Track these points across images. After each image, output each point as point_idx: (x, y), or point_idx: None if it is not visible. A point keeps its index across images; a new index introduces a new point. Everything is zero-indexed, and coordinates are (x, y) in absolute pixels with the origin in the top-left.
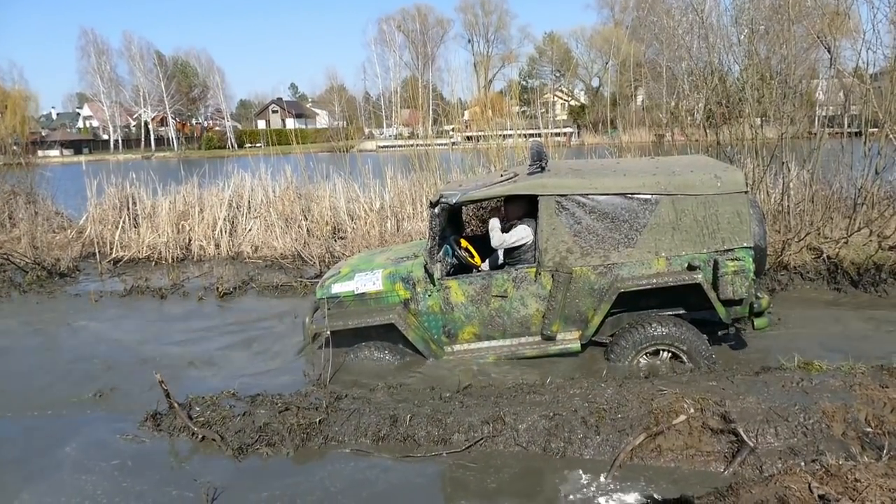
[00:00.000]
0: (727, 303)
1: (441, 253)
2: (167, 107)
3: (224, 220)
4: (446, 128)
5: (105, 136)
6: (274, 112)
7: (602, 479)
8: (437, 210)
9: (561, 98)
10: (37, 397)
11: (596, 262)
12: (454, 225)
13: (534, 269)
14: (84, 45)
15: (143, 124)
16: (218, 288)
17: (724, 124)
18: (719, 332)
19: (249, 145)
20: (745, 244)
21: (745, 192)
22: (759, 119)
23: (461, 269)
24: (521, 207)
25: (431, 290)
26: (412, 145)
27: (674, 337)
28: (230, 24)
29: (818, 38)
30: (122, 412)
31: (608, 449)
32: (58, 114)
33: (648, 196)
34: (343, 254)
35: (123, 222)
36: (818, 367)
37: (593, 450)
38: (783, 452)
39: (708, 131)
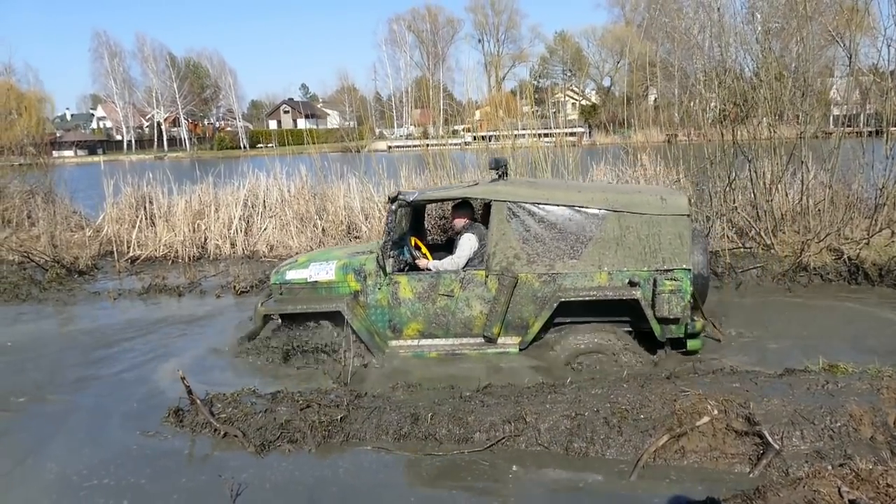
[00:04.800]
0: (663, 321)
1: (396, 251)
2: (180, 107)
3: (239, 219)
4: (457, 128)
5: (118, 137)
6: (285, 112)
7: (626, 479)
8: (394, 207)
9: (572, 98)
10: (58, 392)
11: (541, 270)
12: (417, 228)
13: (482, 272)
14: (97, 47)
15: (155, 125)
16: (235, 286)
17: (738, 123)
18: (656, 350)
19: (261, 145)
20: (684, 266)
21: (688, 216)
22: (774, 118)
23: (415, 268)
24: (466, 215)
25: (381, 283)
26: (424, 145)
27: (601, 346)
28: (242, 25)
29: (833, 35)
30: (144, 408)
31: (631, 449)
32: (72, 115)
33: (596, 211)
34: None
35: (140, 221)
36: (844, 370)
37: (616, 450)
38: (810, 455)
39: (724, 131)
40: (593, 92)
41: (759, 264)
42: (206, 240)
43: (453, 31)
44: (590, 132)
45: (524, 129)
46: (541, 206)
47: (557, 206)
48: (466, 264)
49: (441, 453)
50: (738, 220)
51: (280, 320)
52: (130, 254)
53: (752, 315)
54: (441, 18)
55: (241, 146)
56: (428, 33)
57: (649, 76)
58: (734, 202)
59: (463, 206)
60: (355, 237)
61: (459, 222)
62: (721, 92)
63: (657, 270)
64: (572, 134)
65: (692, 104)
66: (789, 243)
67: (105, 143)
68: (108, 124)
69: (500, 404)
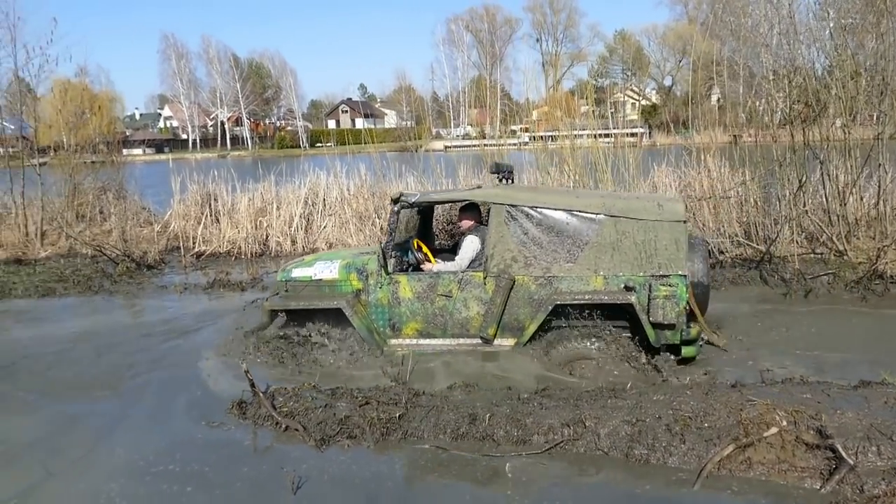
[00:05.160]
0: (658, 326)
1: (400, 253)
2: (242, 107)
3: (300, 217)
4: (514, 128)
5: (184, 136)
6: (344, 112)
7: (688, 488)
8: (397, 208)
9: (632, 97)
10: (127, 381)
11: (538, 273)
12: (424, 231)
13: (480, 274)
14: (165, 48)
15: (219, 124)
16: None
17: (809, 124)
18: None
19: (320, 144)
20: (679, 272)
21: (684, 222)
22: (848, 118)
23: (418, 269)
24: (473, 217)
25: (382, 282)
26: (481, 145)
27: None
28: (302, 26)
29: None
30: (209, 399)
31: (694, 458)
32: (141, 114)
33: (593, 215)
34: None
35: (205, 218)
36: None
37: (678, 458)
38: (887, 473)
39: (794, 131)
40: (654, 91)
41: (830, 271)
42: (267, 237)
43: (511, 30)
44: (650, 132)
45: (583, 129)
46: (538, 209)
47: (555, 209)
48: (469, 266)
49: (499, 454)
50: (809, 225)
51: (285, 316)
52: (196, 249)
53: (821, 323)
54: (499, 18)
55: (301, 145)
56: (486, 33)
57: (716, 75)
58: (804, 206)
59: (469, 208)
60: None
61: (465, 224)
62: (791, 91)
63: (653, 276)
64: (632, 134)
65: (758, 104)
66: (864, 249)
67: (171, 142)
68: (175, 123)
69: (558, 407)
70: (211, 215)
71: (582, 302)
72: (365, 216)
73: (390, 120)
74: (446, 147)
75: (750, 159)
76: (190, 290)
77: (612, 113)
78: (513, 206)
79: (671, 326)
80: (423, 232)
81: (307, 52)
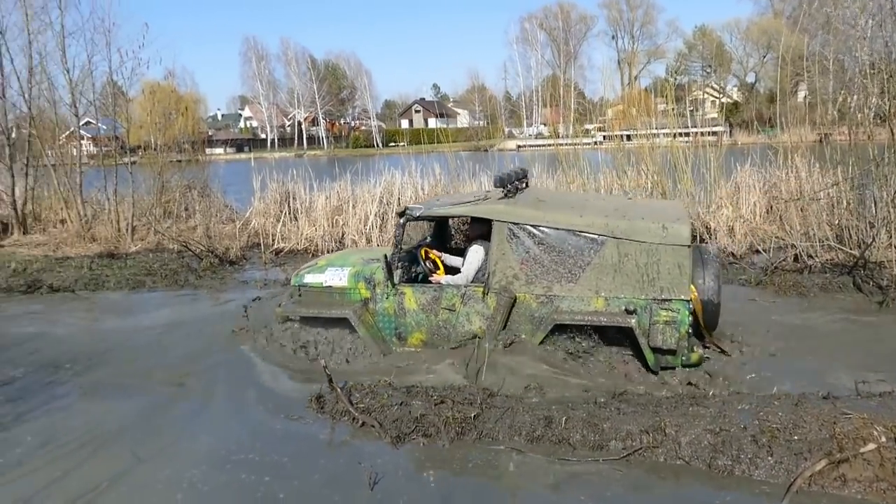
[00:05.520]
0: (657, 350)
1: (408, 262)
2: (318, 108)
3: (375, 215)
4: (588, 127)
5: (263, 136)
6: (417, 112)
7: (775, 503)
8: (402, 221)
9: (712, 95)
10: (214, 372)
11: (539, 292)
12: (441, 234)
13: (482, 289)
14: (246, 51)
15: (296, 124)
16: None
17: None
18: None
19: (393, 144)
20: (682, 297)
21: (688, 246)
22: None
23: (427, 278)
24: (481, 227)
25: (389, 293)
26: (554, 144)
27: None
28: (377, 27)
29: None
30: (289, 392)
31: (782, 472)
32: (222, 115)
33: (595, 236)
34: None
35: (283, 216)
36: None
37: (765, 471)
38: None
39: (894, 129)
40: (735, 89)
41: None
42: (343, 235)
43: (586, 28)
44: (730, 131)
45: (660, 127)
46: (541, 228)
47: (557, 229)
48: (475, 275)
49: (575, 459)
50: None
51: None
52: (275, 246)
53: None
54: (573, 15)
55: (375, 144)
56: (560, 31)
57: (804, 70)
58: None
59: (475, 220)
60: None
61: (473, 232)
62: (889, 85)
63: (654, 300)
64: (712, 133)
65: (850, 100)
66: None
67: (251, 142)
68: (254, 124)
69: (637, 413)
70: (289, 213)
71: (581, 322)
72: None
73: (463, 119)
74: (519, 146)
75: (842, 159)
76: (270, 286)
77: (690, 111)
78: (515, 223)
79: (671, 352)
80: (439, 235)
81: (382, 53)
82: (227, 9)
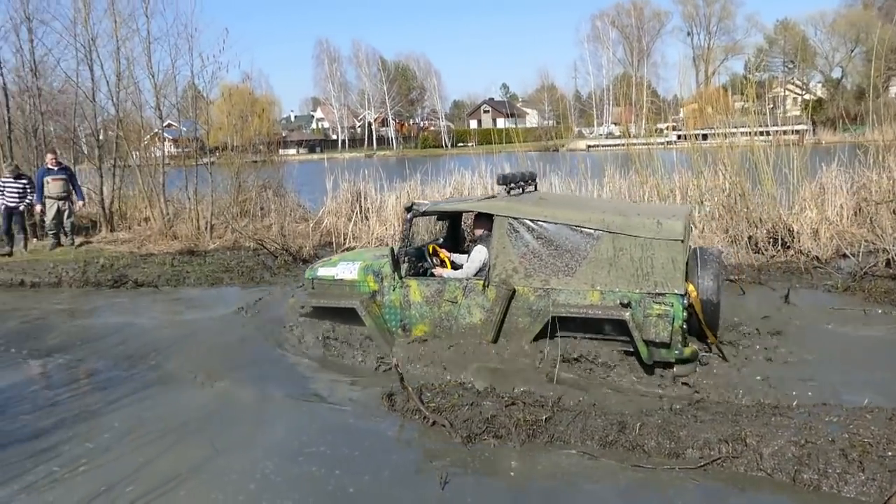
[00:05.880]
0: (650, 344)
1: (415, 256)
2: (388, 108)
3: None
4: (661, 126)
5: (334, 137)
6: (485, 112)
7: None
8: (409, 216)
9: (793, 92)
10: (286, 367)
11: (537, 285)
12: (454, 234)
13: (482, 282)
14: (318, 53)
15: (366, 125)
16: None
17: None
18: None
19: (462, 144)
20: (675, 291)
21: (681, 241)
22: None
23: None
24: (485, 225)
25: (395, 285)
26: (625, 144)
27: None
28: (447, 28)
29: None
30: (361, 388)
31: (875, 489)
32: (295, 116)
33: (591, 230)
34: None
35: (355, 215)
36: None
37: (855, 488)
38: None
39: None
40: (819, 85)
41: None
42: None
43: (660, 24)
44: (814, 129)
45: (738, 126)
46: (539, 222)
47: (555, 223)
48: (477, 274)
49: (649, 466)
50: None
51: (307, 311)
52: (346, 245)
53: None
54: (647, 12)
55: (444, 145)
56: (633, 28)
57: (890, 65)
58: None
59: (482, 216)
60: None
61: (477, 231)
62: None
63: (649, 294)
64: (794, 131)
65: None
66: None
67: (322, 143)
68: (326, 125)
69: (715, 421)
70: (360, 213)
71: (577, 315)
72: None
73: (532, 119)
74: (589, 146)
75: None
76: None
77: (770, 109)
78: (515, 218)
79: (664, 345)
80: (452, 236)
81: (451, 54)
82: (301, 11)
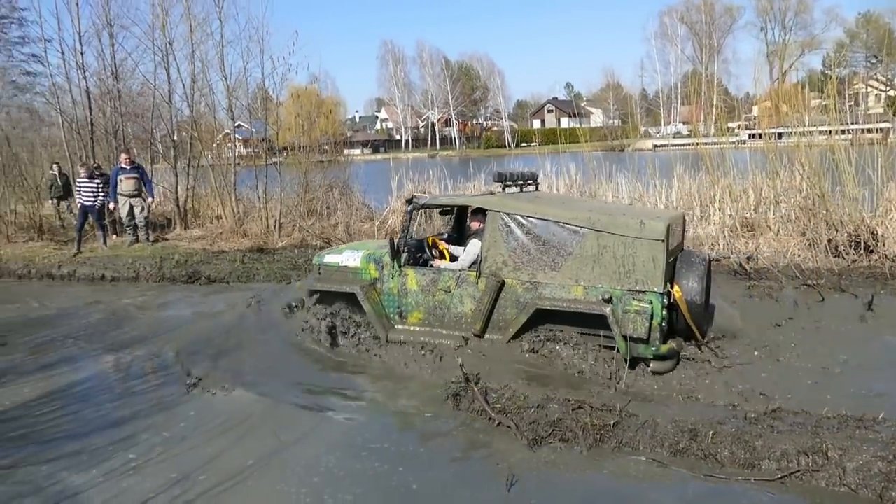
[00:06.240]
0: (629, 339)
1: (415, 247)
2: (451, 108)
3: None
4: (731, 124)
5: (397, 137)
6: (549, 112)
7: None
8: (409, 208)
9: (876, 88)
10: (349, 363)
11: (524, 278)
12: (459, 232)
13: (474, 273)
14: (383, 54)
15: (429, 125)
16: None
17: None
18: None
19: (525, 144)
20: (655, 289)
21: (662, 241)
22: None
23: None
24: (481, 220)
25: (394, 273)
26: (693, 143)
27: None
28: (510, 27)
29: None
30: (426, 386)
31: None
32: (360, 117)
33: (577, 228)
34: None
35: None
36: None
37: None
38: None
39: None
40: None
41: None
42: None
43: (731, 20)
44: None
45: (816, 124)
46: (529, 218)
47: (544, 220)
48: (471, 266)
49: (722, 476)
50: None
51: (312, 296)
52: None
53: None
54: (718, 7)
55: (507, 144)
56: (703, 24)
57: None
58: None
59: (479, 211)
60: None
61: (474, 225)
62: None
63: (629, 290)
64: (878, 129)
65: None
66: None
67: (386, 143)
68: (390, 125)
69: (793, 432)
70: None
71: (560, 309)
72: None
73: (596, 118)
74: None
75: None
76: None
77: (850, 106)
78: (507, 213)
79: (642, 340)
80: (458, 230)
81: (515, 53)
82: (366, 12)
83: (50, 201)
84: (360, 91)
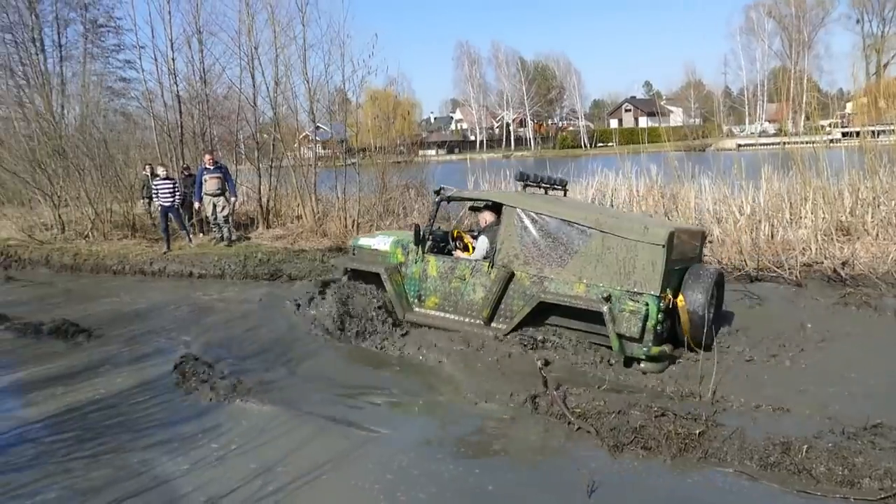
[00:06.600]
0: (622, 337)
1: (440, 237)
2: (527, 109)
3: None
4: (822, 122)
5: (472, 137)
6: (627, 111)
7: None
8: (437, 199)
9: None
10: (428, 363)
11: (532, 272)
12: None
13: (487, 264)
14: (459, 55)
15: (504, 125)
16: None
17: None
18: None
19: (602, 144)
20: (651, 292)
21: (662, 247)
22: None
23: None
24: (491, 216)
25: (418, 259)
26: (781, 143)
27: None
28: (588, 26)
29: None
30: (502, 388)
31: None
32: (435, 118)
33: (585, 228)
34: (710, 259)
35: None
36: None
37: None
38: None
39: None
40: None
41: None
42: None
43: (823, 12)
44: None
45: None
46: (542, 215)
47: (555, 218)
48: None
49: (818, 493)
50: None
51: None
52: None
53: None
54: (809, 0)
55: (582, 145)
56: (792, 18)
57: None
58: None
59: (489, 206)
60: (707, 241)
61: (483, 220)
62: None
63: (627, 291)
64: None
65: None
66: None
67: (461, 143)
68: (464, 126)
69: None
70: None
71: (562, 303)
72: None
73: (676, 117)
74: (739, 145)
75: None
76: None
77: None
78: (522, 209)
79: (635, 340)
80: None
81: (592, 52)
82: (442, 13)
83: (141, 201)
84: (435, 92)
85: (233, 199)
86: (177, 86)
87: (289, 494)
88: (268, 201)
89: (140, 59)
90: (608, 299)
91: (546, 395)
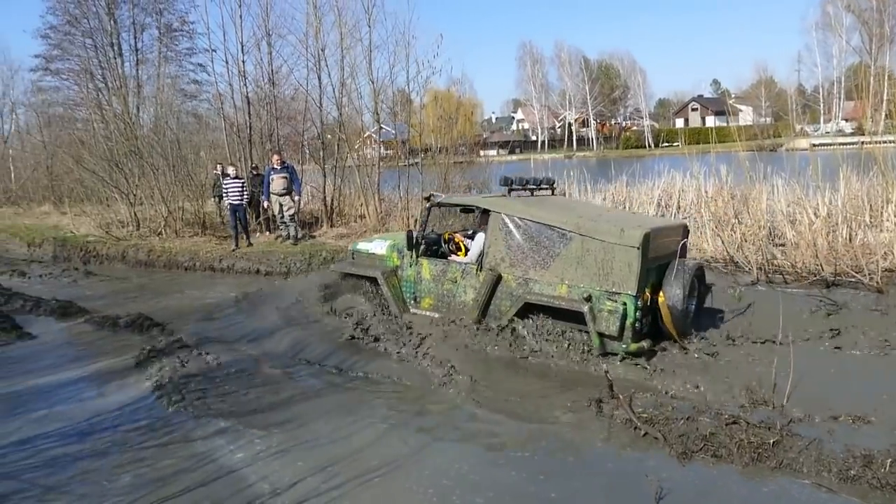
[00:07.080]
0: (602, 335)
1: (433, 241)
2: (589, 108)
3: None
4: None
5: (533, 138)
6: (693, 110)
7: None
8: (427, 205)
9: None
10: (481, 364)
11: (518, 274)
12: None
13: (476, 267)
14: (521, 55)
15: (566, 125)
16: None
17: None
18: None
19: (666, 144)
20: (628, 291)
21: (637, 248)
22: None
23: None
24: (484, 219)
25: (412, 262)
26: (859, 143)
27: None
28: (654, 23)
29: None
30: (566, 392)
31: None
32: (496, 118)
33: (565, 231)
34: (782, 262)
35: None
36: None
37: None
38: None
39: None
40: None
41: None
42: None
43: None
44: None
45: None
46: (525, 220)
47: (537, 223)
48: (478, 259)
49: None
50: None
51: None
52: None
53: None
54: None
55: (647, 145)
56: (873, 11)
57: None
58: None
59: (485, 211)
60: (779, 244)
61: (482, 222)
62: None
63: (606, 291)
64: None
65: None
66: None
67: (522, 143)
68: (526, 126)
69: None
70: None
71: (545, 304)
72: (724, 221)
73: (745, 116)
74: (812, 145)
75: None
76: None
77: None
78: (508, 214)
79: (614, 338)
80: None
81: (658, 51)
82: (504, 14)
83: (212, 199)
84: (496, 92)
85: (298, 198)
86: (246, 87)
87: (345, 493)
88: (332, 200)
89: (212, 61)
90: (588, 299)
91: (612, 399)
